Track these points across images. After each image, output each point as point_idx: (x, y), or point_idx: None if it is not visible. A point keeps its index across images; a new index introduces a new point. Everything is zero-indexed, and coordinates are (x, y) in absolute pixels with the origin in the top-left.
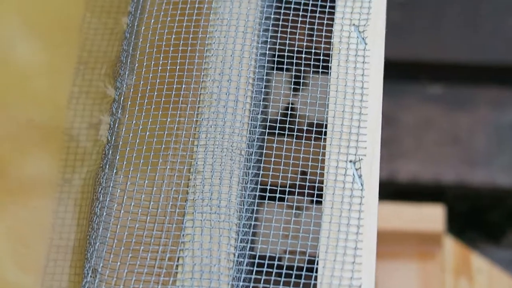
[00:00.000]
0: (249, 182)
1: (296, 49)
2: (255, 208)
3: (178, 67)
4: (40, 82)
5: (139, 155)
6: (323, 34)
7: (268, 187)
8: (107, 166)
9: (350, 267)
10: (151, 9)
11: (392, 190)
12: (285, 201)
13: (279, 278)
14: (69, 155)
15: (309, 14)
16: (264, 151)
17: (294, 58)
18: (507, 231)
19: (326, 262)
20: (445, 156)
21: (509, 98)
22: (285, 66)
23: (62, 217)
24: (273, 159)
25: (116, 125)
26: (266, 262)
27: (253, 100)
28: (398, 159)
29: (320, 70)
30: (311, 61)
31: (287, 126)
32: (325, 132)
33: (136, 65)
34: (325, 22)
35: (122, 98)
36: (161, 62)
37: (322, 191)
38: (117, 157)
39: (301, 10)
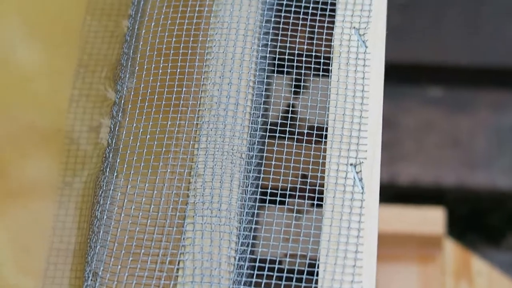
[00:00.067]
0: (249, 185)
1: (296, 52)
2: (255, 211)
3: (178, 70)
4: (40, 85)
5: (140, 158)
6: (324, 37)
7: (269, 191)
8: (108, 169)
9: (351, 270)
10: (151, 12)
11: (392, 193)
12: (286, 204)
13: (279, 282)
14: (69, 158)
15: (309, 17)
16: (265, 154)
17: (295, 61)
18: (507, 234)
19: (327, 265)
20: (446, 159)
21: (509, 101)
22: (285, 69)
23: (62, 221)
24: (273, 162)
25: (117, 128)
26: (267, 265)
27: (253, 103)
28: (398, 162)
29: (321, 73)
30: (311, 64)
31: (287, 129)
32: (326, 136)
33: (137, 68)
34: (325, 25)
35: (122, 101)
36: (161, 65)
37: (322, 194)
38: (118, 160)
39: (301, 13)
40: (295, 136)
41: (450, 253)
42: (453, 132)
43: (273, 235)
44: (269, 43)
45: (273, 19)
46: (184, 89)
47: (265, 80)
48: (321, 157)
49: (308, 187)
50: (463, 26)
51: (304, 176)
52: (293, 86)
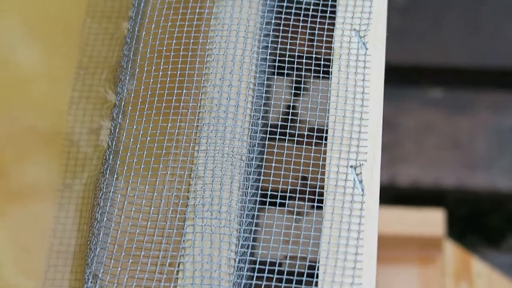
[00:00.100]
0: (249, 187)
1: (296, 54)
2: (255, 213)
3: (178, 72)
4: (40, 85)
5: (140, 161)
6: (324, 39)
7: (269, 192)
8: (108, 172)
9: (351, 272)
10: (151, 14)
11: (392, 195)
12: (286, 206)
13: (279, 284)
14: (69, 160)
15: (309, 19)
16: (265, 156)
17: (295, 63)
18: (507, 235)
19: (326, 267)
20: (446, 160)
21: (509, 102)
22: (285, 71)
23: (62, 223)
24: (273, 164)
25: (117, 130)
26: (267, 267)
27: (253, 105)
28: (398, 163)
29: (321, 75)
30: (311, 66)
31: (287, 131)
32: (326, 137)
33: (137, 70)
34: (325, 27)
35: (122, 103)
36: (161, 67)
37: (322, 196)
38: (118, 163)
39: (301, 15)
40: (295, 138)
41: (450, 255)
42: (453, 133)
43: (273, 237)
44: (269, 45)
45: (273, 21)
46: (184, 91)
47: (265, 82)
48: (321, 159)
49: (308, 189)
50: (463, 28)
51: (304, 178)
52: (293, 88)
